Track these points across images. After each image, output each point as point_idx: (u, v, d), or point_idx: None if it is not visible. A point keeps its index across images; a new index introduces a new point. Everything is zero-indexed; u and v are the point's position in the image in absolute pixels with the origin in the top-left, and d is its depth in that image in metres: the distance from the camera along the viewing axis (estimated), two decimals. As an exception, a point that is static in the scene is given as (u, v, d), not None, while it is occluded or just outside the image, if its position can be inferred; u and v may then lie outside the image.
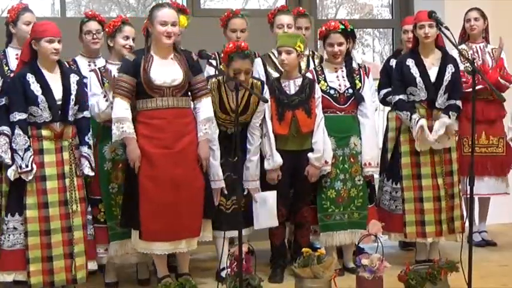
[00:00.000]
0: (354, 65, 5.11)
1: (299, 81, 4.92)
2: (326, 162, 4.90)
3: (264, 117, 4.83)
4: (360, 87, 5.02)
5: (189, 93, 4.65)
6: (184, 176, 4.50)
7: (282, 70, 5.00)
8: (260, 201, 4.79)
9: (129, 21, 4.88)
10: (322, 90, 4.97)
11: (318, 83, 4.98)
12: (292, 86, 4.90)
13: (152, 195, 4.46)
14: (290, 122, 4.82)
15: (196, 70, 4.68)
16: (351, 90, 4.99)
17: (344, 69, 5.04)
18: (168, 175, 4.47)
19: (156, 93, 4.50)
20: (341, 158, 4.99)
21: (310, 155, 4.85)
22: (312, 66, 5.32)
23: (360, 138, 5.02)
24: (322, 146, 4.86)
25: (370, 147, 5.02)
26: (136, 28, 4.98)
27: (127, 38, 4.79)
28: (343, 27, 4.97)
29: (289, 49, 4.82)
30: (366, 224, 4.96)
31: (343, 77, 5.03)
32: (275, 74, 5.17)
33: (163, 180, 4.47)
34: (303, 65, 5.36)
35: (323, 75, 5.04)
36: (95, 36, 5.11)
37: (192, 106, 4.67)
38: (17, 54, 4.91)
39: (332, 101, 4.99)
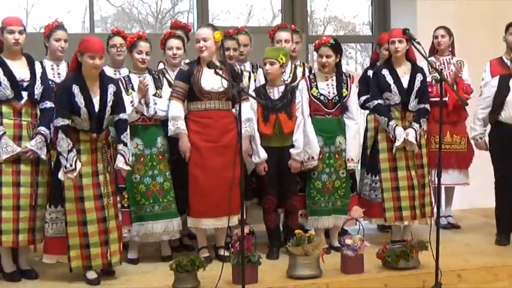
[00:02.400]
0: (343, 76, 5.10)
1: (282, 88, 4.91)
2: (313, 158, 4.92)
3: (252, 118, 4.80)
4: (346, 95, 5.02)
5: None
6: (227, 165, 4.56)
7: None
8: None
9: (145, 37, 4.86)
10: (313, 96, 4.98)
11: (311, 89, 4.99)
12: (276, 92, 4.90)
13: (200, 181, 4.64)
14: (274, 123, 4.83)
15: (239, 79, 4.80)
16: (337, 98, 5.01)
17: (334, 78, 5.05)
18: (214, 164, 4.65)
19: (205, 97, 4.69)
20: (327, 154, 5.00)
21: (291, 150, 4.85)
22: (306, 74, 5.31)
23: (345, 138, 5.04)
24: (302, 143, 4.86)
25: (353, 146, 5.03)
26: (154, 43, 5.00)
27: (140, 52, 4.78)
28: (333, 42, 4.98)
29: (273, 60, 4.83)
30: (348, 210, 4.98)
31: (332, 85, 5.02)
32: None
33: (210, 168, 4.65)
34: (299, 73, 5.34)
35: (315, 83, 5.04)
36: (119, 49, 5.11)
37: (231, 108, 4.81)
38: (52, 65, 4.92)
39: (321, 105, 4.99)
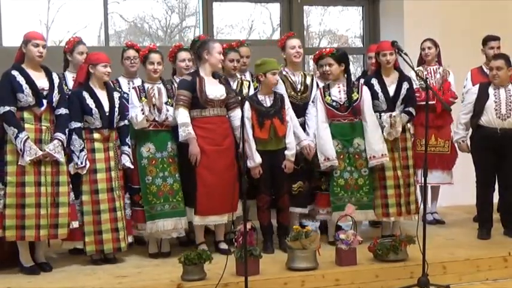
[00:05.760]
0: (353, 80, 5.09)
1: (272, 96, 4.88)
2: (328, 159, 4.89)
3: (245, 125, 4.72)
4: (358, 98, 4.97)
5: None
6: (228, 165, 4.70)
7: (296, 87, 5.09)
8: None
9: (156, 49, 4.86)
10: (327, 103, 4.96)
11: (324, 97, 4.98)
12: (267, 100, 4.86)
13: (208, 181, 4.65)
14: (269, 128, 4.80)
15: (231, 88, 4.84)
16: (348, 102, 4.95)
17: (345, 84, 5.01)
18: (219, 165, 4.66)
19: (208, 105, 4.68)
20: (347, 155, 4.97)
21: (286, 152, 4.82)
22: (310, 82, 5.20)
23: (363, 139, 4.98)
24: (295, 145, 4.85)
25: (371, 144, 4.95)
26: (164, 55, 4.99)
27: (152, 63, 4.79)
28: (335, 52, 5.01)
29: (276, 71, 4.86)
30: (373, 205, 4.97)
31: (344, 91, 4.99)
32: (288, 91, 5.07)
33: (216, 168, 4.66)
34: (308, 80, 5.18)
35: (328, 91, 5.02)
36: (132, 61, 5.12)
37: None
38: (73, 77, 4.92)
39: (335, 111, 4.98)
